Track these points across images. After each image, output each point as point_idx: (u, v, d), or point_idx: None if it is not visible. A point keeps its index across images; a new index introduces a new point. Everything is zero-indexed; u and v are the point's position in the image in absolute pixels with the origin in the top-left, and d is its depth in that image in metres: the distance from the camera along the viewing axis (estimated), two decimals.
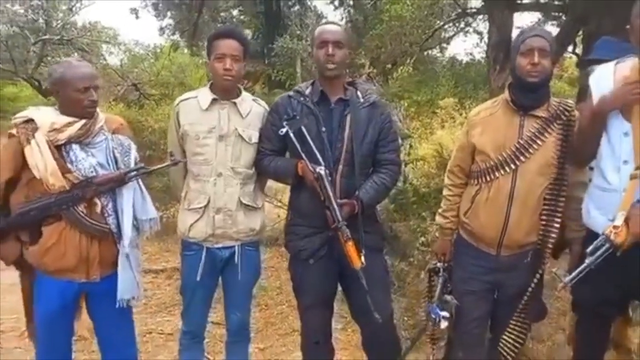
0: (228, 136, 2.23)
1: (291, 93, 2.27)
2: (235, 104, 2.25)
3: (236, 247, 2.29)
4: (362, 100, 2.22)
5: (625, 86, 1.79)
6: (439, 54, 13.80)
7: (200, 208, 2.25)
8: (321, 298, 2.33)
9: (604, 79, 1.91)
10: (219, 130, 2.22)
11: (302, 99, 2.22)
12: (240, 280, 2.33)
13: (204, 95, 2.26)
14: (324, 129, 2.16)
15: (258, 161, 2.30)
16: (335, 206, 2.06)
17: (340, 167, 2.17)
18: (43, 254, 1.99)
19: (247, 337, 2.50)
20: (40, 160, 1.91)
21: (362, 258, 2.07)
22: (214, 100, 2.24)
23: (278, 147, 2.27)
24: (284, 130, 2.15)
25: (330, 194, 2.06)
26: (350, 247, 2.05)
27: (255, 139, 2.28)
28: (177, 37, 14.25)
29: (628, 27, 1.88)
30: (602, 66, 1.99)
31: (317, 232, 2.20)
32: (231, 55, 2.16)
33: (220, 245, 2.28)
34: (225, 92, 2.24)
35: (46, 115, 1.98)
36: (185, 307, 2.41)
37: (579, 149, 2.02)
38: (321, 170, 2.07)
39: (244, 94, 2.32)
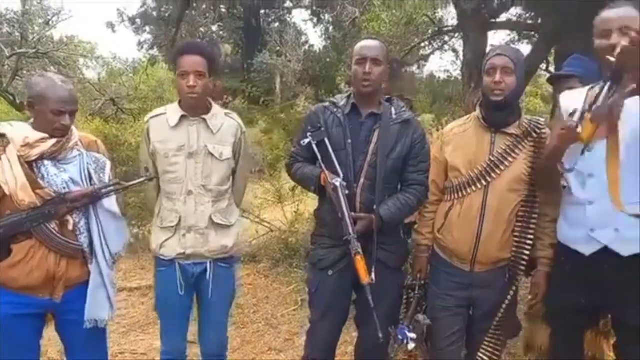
0: (197, 154, 2.20)
1: (327, 104, 2.29)
2: (205, 120, 2.22)
3: (208, 264, 2.26)
4: (394, 116, 2.20)
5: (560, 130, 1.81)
6: (417, 71, 13.99)
7: (172, 227, 2.22)
8: (333, 312, 2.28)
9: (576, 102, 1.90)
10: (188, 147, 2.19)
11: (335, 110, 2.23)
12: (213, 298, 2.29)
13: (173, 112, 2.23)
14: (349, 141, 2.16)
15: (288, 165, 2.34)
16: (347, 219, 2.05)
17: (362, 180, 2.15)
18: (8, 271, 1.92)
19: (223, 358, 2.45)
20: (10, 175, 1.87)
21: (372, 274, 2.05)
22: (182, 117, 2.21)
23: (308, 155, 2.27)
24: (306, 140, 2.17)
25: (344, 206, 2.05)
26: (359, 262, 2.03)
27: (226, 155, 2.25)
28: (155, 52, 14.18)
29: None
30: (575, 91, 2.01)
31: (338, 244, 2.16)
32: (194, 71, 2.13)
33: (191, 262, 2.25)
34: (192, 109, 2.21)
35: (19, 130, 1.94)
36: (162, 326, 2.36)
37: (541, 177, 2.08)
38: (337, 181, 2.07)
39: (215, 108, 2.29)
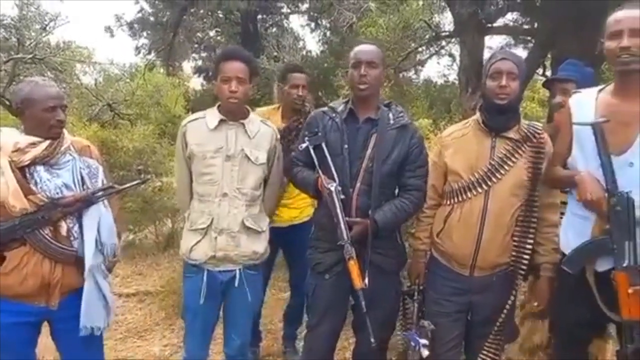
0: (234, 157, 2.23)
1: (326, 109, 2.30)
2: (243, 124, 2.26)
3: (237, 271, 2.27)
4: (392, 121, 2.21)
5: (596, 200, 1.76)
6: (414, 76, 14.01)
7: (203, 229, 2.23)
8: (330, 315, 2.28)
9: (586, 105, 1.89)
10: (226, 150, 2.23)
11: (333, 115, 2.24)
12: (240, 304, 2.30)
13: (212, 115, 2.27)
14: (346, 146, 2.17)
15: (289, 169, 2.34)
16: (342, 224, 2.06)
17: (358, 184, 2.16)
18: (2, 278, 1.90)
19: (245, 357, 2.45)
20: (2, 181, 1.86)
21: (366, 279, 2.06)
22: (221, 121, 2.24)
23: (307, 159, 2.27)
24: (304, 145, 2.20)
25: (338, 210, 2.06)
26: (352, 267, 2.04)
27: (262, 160, 2.28)
28: (152, 56, 14.17)
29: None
30: (585, 91, 1.98)
31: (335, 248, 2.16)
32: (236, 77, 2.18)
33: (220, 269, 2.26)
34: (232, 113, 2.25)
35: (9, 136, 1.93)
36: (186, 332, 2.38)
37: (551, 183, 2.06)
38: (332, 186, 2.08)
39: (252, 115, 2.33)
